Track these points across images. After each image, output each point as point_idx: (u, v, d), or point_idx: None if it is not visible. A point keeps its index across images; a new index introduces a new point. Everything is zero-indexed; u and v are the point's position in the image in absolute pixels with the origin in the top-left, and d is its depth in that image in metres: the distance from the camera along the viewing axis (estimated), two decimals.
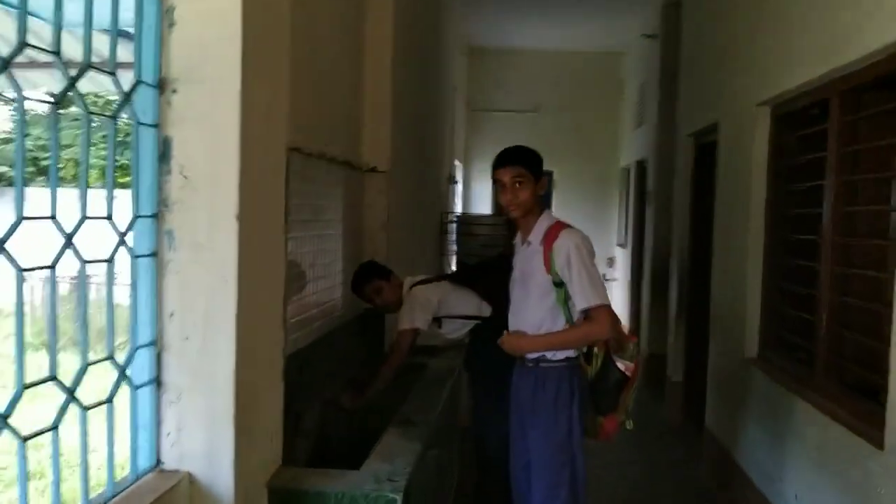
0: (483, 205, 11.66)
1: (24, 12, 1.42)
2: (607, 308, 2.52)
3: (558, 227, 2.62)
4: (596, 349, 2.60)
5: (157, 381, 1.97)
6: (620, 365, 2.55)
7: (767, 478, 3.57)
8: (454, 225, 8.49)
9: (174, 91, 1.92)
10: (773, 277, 3.78)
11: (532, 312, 2.64)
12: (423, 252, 6.38)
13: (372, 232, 4.36)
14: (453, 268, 8.53)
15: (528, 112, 11.63)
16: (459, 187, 10.23)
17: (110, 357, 1.77)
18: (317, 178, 3.30)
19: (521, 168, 2.60)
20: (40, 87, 3.14)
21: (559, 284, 2.54)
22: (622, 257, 10.46)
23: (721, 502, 4.11)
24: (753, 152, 3.86)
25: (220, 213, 1.94)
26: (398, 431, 2.86)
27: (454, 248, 8.38)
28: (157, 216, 1.95)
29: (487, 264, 3.51)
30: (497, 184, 2.64)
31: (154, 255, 1.95)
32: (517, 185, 2.60)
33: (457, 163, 10.06)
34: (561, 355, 2.58)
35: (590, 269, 2.52)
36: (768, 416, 3.61)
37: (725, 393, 4.05)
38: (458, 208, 9.93)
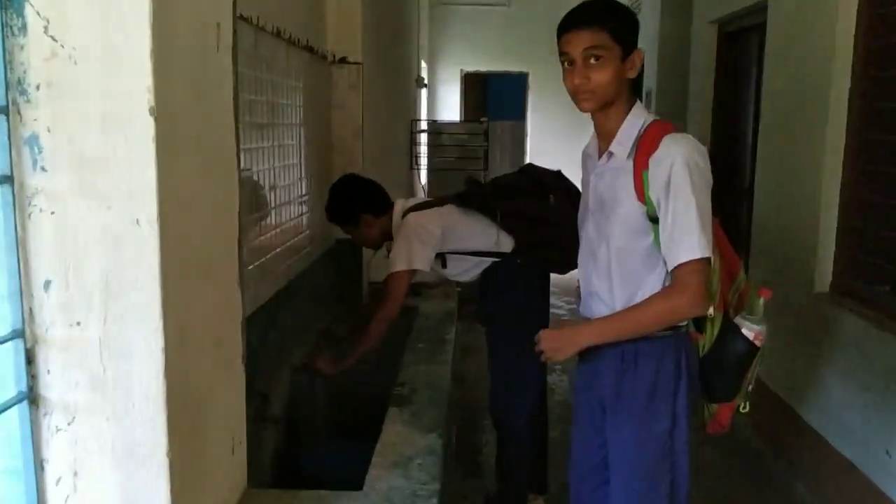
0: (450, 111, 10.75)
1: None
2: (704, 264, 1.68)
3: (658, 129, 1.75)
4: (711, 311, 1.80)
5: (30, 397, 1.19)
6: (747, 332, 1.80)
7: (847, 434, 3.00)
8: (423, 135, 7.63)
9: None
10: (858, 190, 3.10)
11: (617, 266, 1.81)
12: (397, 167, 5.56)
13: (343, 141, 3.52)
14: (423, 181, 7.70)
15: (499, 6, 10.60)
16: (425, 92, 9.29)
17: None
18: (274, 65, 2.44)
19: (602, 33, 1.70)
20: None
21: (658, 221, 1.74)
22: None
23: (779, 468, 3.53)
24: (836, 30, 3.11)
25: (125, 104, 1.13)
26: (401, 416, 2.15)
27: (423, 161, 7.54)
28: (5, 112, 1.13)
29: (507, 182, 2.71)
30: (563, 58, 1.76)
31: (7, 180, 1.14)
32: (592, 60, 1.72)
33: (423, 64, 9.09)
34: None
35: (700, 202, 1.67)
36: (850, 361, 3.00)
37: (783, 337, 3.43)
38: (424, 115, 9.02)
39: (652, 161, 1.72)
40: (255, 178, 2.23)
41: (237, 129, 1.54)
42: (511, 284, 2.59)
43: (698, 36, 5.28)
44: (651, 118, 1.80)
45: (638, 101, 1.83)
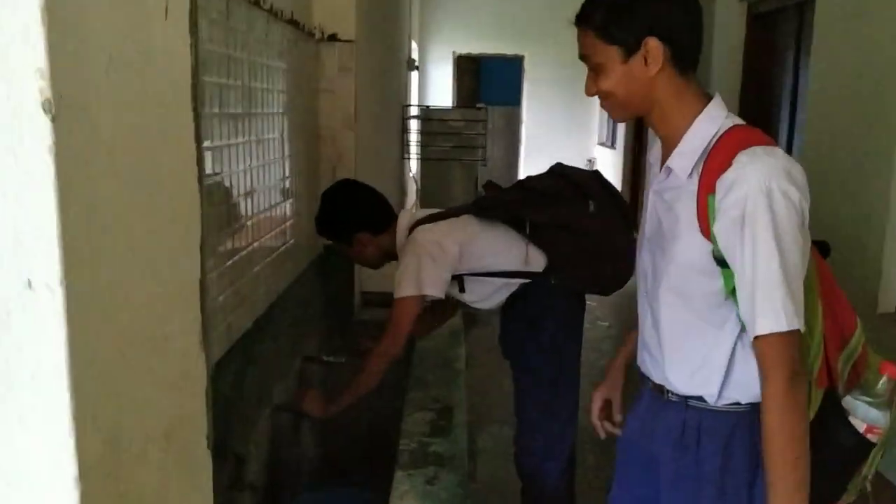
0: (442, 96, 10.29)
1: None
2: (790, 338, 1.25)
3: (735, 139, 1.32)
4: (812, 383, 1.37)
5: None
6: (856, 422, 1.33)
7: None
8: (414, 122, 7.17)
9: None
10: None
11: (668, 314, 1.42)
12: (388, 158, 5.12)
13: (332, 131, 3.08)
14: (413, 171, 7.24)
15: None
16: (415, 75, 8.82)
17: None
18: (249, 41, 2.00)
19: (588, 35, 1.38)
20: None
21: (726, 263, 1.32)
22: (609, 160, 9.32)
23: None
24: None
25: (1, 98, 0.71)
26: (412, 485, 1.74)
27: (415, 150, 7.08)
28: None
29: (535, 186, 2.28)
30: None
31: None
32: (590, 68, 1.40)
33: (413, 45, 8.62)
34: (734, 390, 1.38)
35: (786, 252, 1.24)
36: None
37: None
38: (415, 100, 8.56)
39: (720, 185, 1.28)
40: (227, 183, 1.80)
41: (197, 125, 1.11)
42: (543, 310, 2.18)
43: (724, 17, 4.86)
44: (731, 122, 1.36)
45: (715, 100, 1.39)
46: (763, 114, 4.39)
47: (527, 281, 2.18)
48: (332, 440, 2.69)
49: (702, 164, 1.33)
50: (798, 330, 1.26)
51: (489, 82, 11.24)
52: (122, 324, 0.86)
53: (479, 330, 5.26)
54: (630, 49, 1.35)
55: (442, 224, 2.20)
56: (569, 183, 2.14)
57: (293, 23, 2.51)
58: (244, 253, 1.91)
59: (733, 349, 1.36)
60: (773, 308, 1.24)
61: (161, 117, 0.98)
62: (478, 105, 7.45)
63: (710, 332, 1.38)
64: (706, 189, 1.31)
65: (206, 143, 1.56)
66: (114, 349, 0.84)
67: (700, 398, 1.41)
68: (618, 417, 1.74)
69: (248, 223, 1.96)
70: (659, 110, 1.40)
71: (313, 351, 2.78)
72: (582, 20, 1.39)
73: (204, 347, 1.15)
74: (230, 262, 1.80)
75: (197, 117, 1.11)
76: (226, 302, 1.74)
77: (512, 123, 10.66)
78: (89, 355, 0.77)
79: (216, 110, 1.70)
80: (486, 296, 2.23)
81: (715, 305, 1.36)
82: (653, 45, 1.34)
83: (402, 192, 6.51)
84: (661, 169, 1.43)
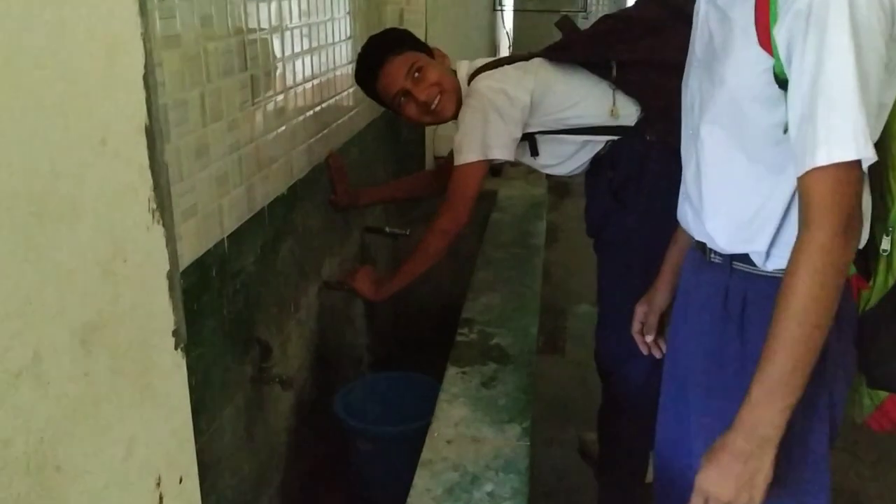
0: None
1: None
2: (851, 172, 0.95)
3: None
4: (887, 243, 1.09)
5: None
6: None
7: None
8: None
9: None
10: None
11: (712, 154, 1.13)
12: (474, 7, 4.63)
13: None
14: (508, 27, 6.64)
15: None
16: None
17: None
18: None
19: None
20: None
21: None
22: None
23: None
24: None
25: None
26: (464, 388, 1.48)
27: (508, 34, 6.40)
28: None
29: (625, 16, 1.84)
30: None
31: None
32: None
33: None
34: (786, 253, 1.03)
35: (863, 60, 0.92)
36: None
37: None
38: None
39: None
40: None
41: None
42: (636, 174, 1.78)
43: None
44: None
45: None
46: None
47: (615, 138, 1.78)
48: (390, 322, 2.47)
49: None
50: (861, 170, 0.97)
51: None
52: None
53: (572, 201, 4.89)
54: None
55: (509, 69, 1.80)
56: (671, 10, 1.69)
57: None
58: (272, 103, 1.61)
59: (790, 201, 1.08)
60: (838, 130, 0.94)
61: None
62: None
63: (764, 177, 1.09)
64: None
65: None
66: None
67: (746, 258, 1.14)
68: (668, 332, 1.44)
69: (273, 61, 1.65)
70: None
71: (377, 221, 2.53)
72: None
73: (162, 216, 0.88)
74: (272, 102, 1.50)
75: None
76: (237, 161, 1.46)
77: None
78: None
79: None
80: (565, 158, 1.84)
81: (772, 143, 1.06)
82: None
83: (494, 47, 6.01)
84: None
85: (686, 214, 1.24)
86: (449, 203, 1.80)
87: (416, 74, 1.81)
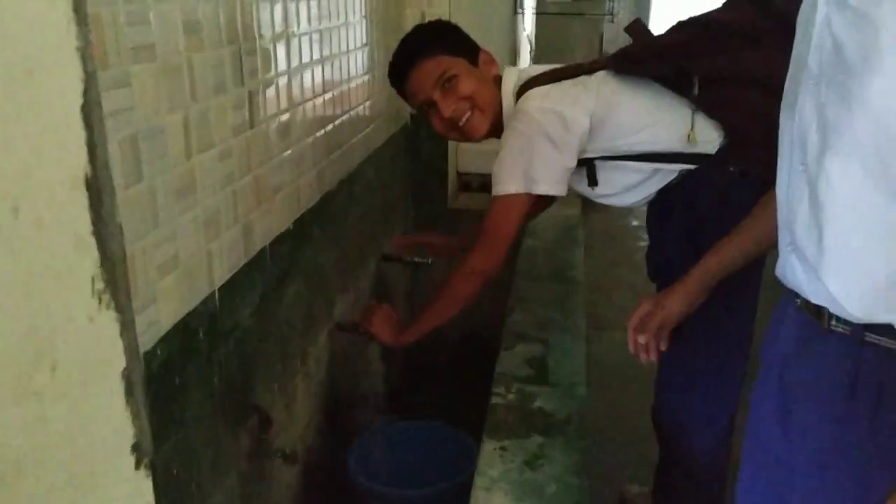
0: None
1: None
2: None
3: None
4: None
5: None
6: None
7: None
8: None
9: None
10: None
11: (854, 196, 0.86)
12: (495, 9, 4.38)
13: None
14: (529, 30, 6.37)
15: None
16: None
17: None
18: None
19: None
20: None
21: None
22: None
23: None
24: None
25: None
26: (505, 463, 1.23)
27: (529, 38, 6.14)
28: None
29: (706, 21, 1.49)
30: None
31: None
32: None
33: None
34: None
35: None
36: None
37: None
38: None
39: None
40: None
41: None
42: (715, 212, 1.48)
43: None
44: None
45: None
46: None
47: (690, 167, 1.51)
48: (405, 352, 2.22)
49: None
50: None
51: None
52: None
53: (598, 214, 4.63)
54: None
55: (566, 86, 1.51)
56: (772, 17, 1.41)
57: None
58: (275, 124, 1.36)
59: None
60: None
61: None
62: None
63: None
64: None
65: None
66: None
67: (887, 330, 0.88)
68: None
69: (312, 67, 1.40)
70: None
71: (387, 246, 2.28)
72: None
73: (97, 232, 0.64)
74: (275, 121, 1.25)
75: None
76: (231, 197, 1.22)
77: None
78: None
79: None
80: (628, 188, 1.57)
81: None
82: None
83: (514, 53, 5.77)
84: None
85: (793, 270, 0.98)
86: (483, 241, 1.54)
87: (447, 84, 1.57)
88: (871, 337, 0.89)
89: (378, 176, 2.09)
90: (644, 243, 4.33)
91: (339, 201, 1.74)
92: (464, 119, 1.59)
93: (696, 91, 1.45)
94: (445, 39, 1.62)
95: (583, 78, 1.53)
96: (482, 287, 1.56)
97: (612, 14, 5.78)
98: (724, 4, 1.50)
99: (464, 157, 2.81)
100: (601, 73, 1.53)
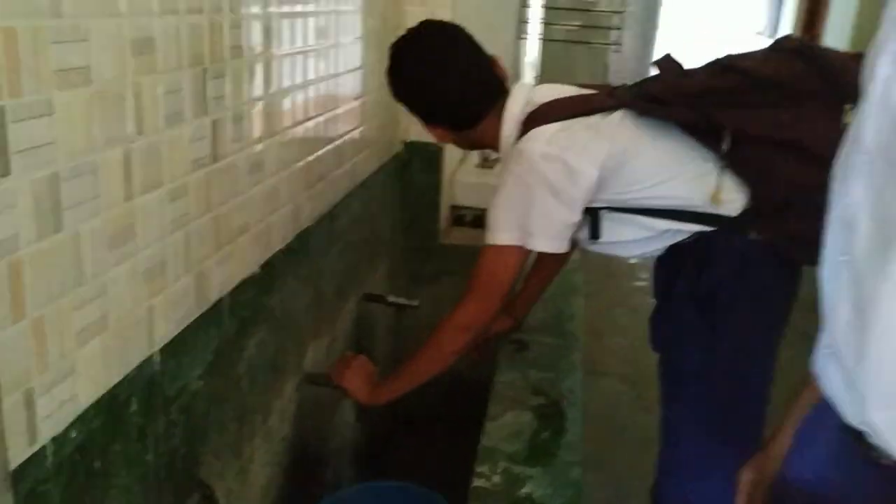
0: None
1: None
2: None
3: None
4: None
5: None
6: None
7: None
8: None
9: None
10: None
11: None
12: (498, 35, 4.25)
13: None
14: (532, 56, 6.27)
15: None
16: None
17: None
18: None
19: None
20: None
21: None
22: None
23: None
24: None
25: None
26: None
27: (536, 29, 6.07)
28: None
29: (754, 71, 1.29)
30: None
31: None
32: None
33: None
34: None
35: None
36: None
37: None
38: None
39: None
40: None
41: None
42: (732, 282, 1.34)
43: None
44: None
45: None
46: None
47: (708, 230, 1.35)
48: (391, 420, 2.05)
49: None
50: None
51: None
52: None
53: (595, 255, 4.49)
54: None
55: (577, 129, 1.34)
56: (812, 72, 1.26)
57: None
58: (242, 156, 1.21)
59: None
60: None
61: None
62: None
63: None
64: None
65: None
66: None
67: None
68: None
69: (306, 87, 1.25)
70: None
71: (379, 286, 2.12)
72: None
73: None
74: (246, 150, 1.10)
75: None
76: (182, 242, 1.06)
77: (649, 3, 9.35)
78: None
79: None
80: (632, 242, 1.41)
81: None
82: None
83: (517, 79, 5.65)
84: None
85: (831, 379, 0.82)
86: (473, 292, 1.38)
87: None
88: None
89: (365, 209, 1.94)
90: (641, 283, 4.19)
91: (318, 239, 1.58)
92: (447, 144, 1.60)
93: (725, 146, 1.29)
94: None
95: (596, 119, 1.36)
96: (471, 343, 1.40)
97: (618, 44, 5.65)
98: (768, 50, 1.35)
99: (458, 189, 2.65)
100: (618, 115, 1.37)
